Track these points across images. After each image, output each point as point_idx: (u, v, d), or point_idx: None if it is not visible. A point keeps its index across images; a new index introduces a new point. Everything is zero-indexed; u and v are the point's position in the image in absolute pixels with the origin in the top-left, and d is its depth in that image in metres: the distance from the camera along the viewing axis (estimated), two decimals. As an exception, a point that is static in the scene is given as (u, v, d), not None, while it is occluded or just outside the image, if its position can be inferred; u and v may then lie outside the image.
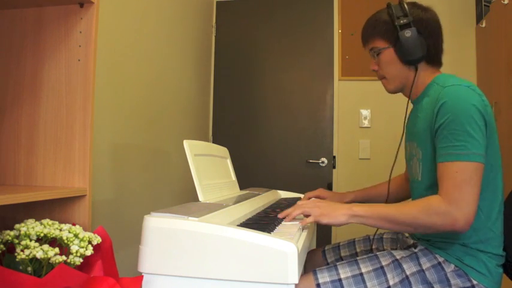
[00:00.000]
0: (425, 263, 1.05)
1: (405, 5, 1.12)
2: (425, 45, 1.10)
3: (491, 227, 1.03)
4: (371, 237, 1.39)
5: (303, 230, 1.05)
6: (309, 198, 1.43)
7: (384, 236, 1.38)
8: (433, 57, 1.14)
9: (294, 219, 1.10)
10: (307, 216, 1.06)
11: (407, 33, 1.09)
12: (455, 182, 0.94)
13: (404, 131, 1.27)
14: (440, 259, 1.04)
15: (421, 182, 1.12)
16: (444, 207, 0.93)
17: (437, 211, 0.94)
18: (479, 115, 0.97)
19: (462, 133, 0.96)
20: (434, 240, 1.10)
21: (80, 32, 0.94)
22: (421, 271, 1.03)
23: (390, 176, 1.30)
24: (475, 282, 1.00)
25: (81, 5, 0.94)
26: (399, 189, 1.44)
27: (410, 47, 1.09)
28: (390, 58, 1.15)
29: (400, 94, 1.25)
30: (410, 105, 1.24)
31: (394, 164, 1.25)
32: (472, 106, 0.97)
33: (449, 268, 1.02)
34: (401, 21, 1.10)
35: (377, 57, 1.18)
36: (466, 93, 0.99)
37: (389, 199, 1.35)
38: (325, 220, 1.03)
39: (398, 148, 1.25)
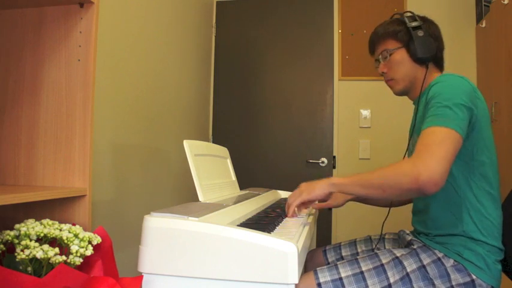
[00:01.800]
0: (426, 259, 1.06)
1: (414, 13, 1.21)
2: (434, 45, 1.17)
3: (488, 216, 1.05)
4: (372, 237, 1.39)
5: (304, 225, 1.07)
6: None
7: (386, 237, 1.38)
8: (439, 59, 1.22)
9: (295, 216, 1.18)
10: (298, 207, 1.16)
11: (420, 32, 1.16)
12: (426, 142, 0.96)
13: (409, 131, 1.29)
14: (440, 254, 1.06)
15: None
16: (410, 165, 0.94)
17: (404, 169, 0.95)
18: (465, 97, 1.01)
19: (443, 106, 1.00)
20: (434, 234, 1.12)
21: (80, 32, 0.94)
22: (422, 267, 1.04)
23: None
24: (474, 277, 1.01)
25: (81, 5, 0.94)
26: None
27: (422, 45, 1.16)
28: (402, 58, 1.20)
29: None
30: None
31: (405, 155, 1.27)
32: (459, 89, 1.02)
33: (448, 263, 1.04)
34: (413, 24, 1.18)
35: (388, 59, 1.22)
36: (458, 79, 1.06)
37: (392, 203, 1.36)
38: (305, 196, 1.12)
39: (409, 143, 1.26)
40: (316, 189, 1.10)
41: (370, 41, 1.28)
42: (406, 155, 1.27)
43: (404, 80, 1.21)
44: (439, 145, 0.94)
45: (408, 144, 1.26)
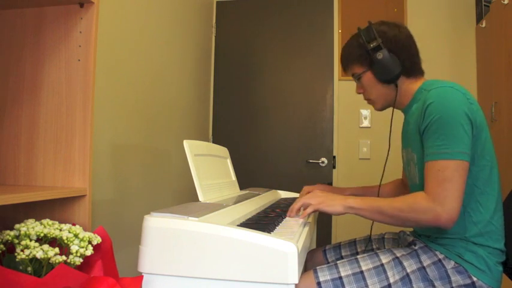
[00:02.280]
0: (426, 260, 1.05)
1: (373, 28, 1.16)
2: (398, 62, 1.15)
3: (491, 220, 1.05)
4: (372, 237, 1.39)
5: (304, 226, 1.06)
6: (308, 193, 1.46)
7: (386, 236, 1.38)
8: (410, 70, 1.18)
9: (296, 215, 1.17)
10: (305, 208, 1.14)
11: (379, 55, 1.14)
12: (438, 180, 0.98)
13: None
14: (441, 256, 1.05)
15: (419, 184, 1.13)
16: (427, 204, 0.98)
17: (421, 207, 0.99)
18: (464, 115, 1.00)
19: (445, 133, 0.99)
20: (434, 236, 1.11)
21: (80, 32, 0.94)
22: (422, 268, 1.04)
23: (381, 182, 1.37)
24: (475, 279, 1.01)
25: (81, 5, 0.94)
26: (397, 190, 1.46)
27: (385, 67, 1.15)
28: (370, 80, 1.21)
29: None
30: (401, 115, 1.28)
31: (385, 166, 1.30)
32: (456, 107, 1.01)
33: (449, 265, 1.03)
34: (372, 45, 1.15)
35: (359, 82, 1.24)
36: (451, 94, 1.03)
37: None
38: (324, 208, 1.10)
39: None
40: (335, 206, 1.09)
41: (340, 61, 1.29)
42: (403, 166, 1.29)
43: (380, 99, 1.23)
44: (451, 182, 0.97)
45: (402, 156, 1.28)
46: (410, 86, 1.18)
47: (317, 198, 1.13)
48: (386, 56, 1.14)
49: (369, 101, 1.27)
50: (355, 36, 1.23)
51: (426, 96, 1.07)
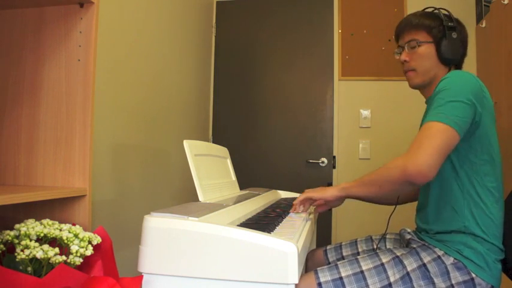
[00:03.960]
0: (426, 257, 1.06)
1: (452, 15, 1.20)
2: (461, 51, 1.19)
3: (489, 215, 1.06)
4: (373, 237, 1.39)
5: (304, 225, 1.07)
6: None
7: (387, 236, 1.38)
8: (460, 64, 1.23)
9: (296, 216, 1.21)
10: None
11: (454, 34, 1.16)
12: (419, 136, 0.99)
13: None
14: (440, 252, 1.06)
15: None
16: (400, 159, 0.99)
17: (394, 163, 1.00)
18: (469, 95, 1.01)
19: (445, 102, 1.01)
20: (435, 231, 1.12)
21: (80, 32, 0.94)
22: (422, 265, 1.04)
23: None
24: (473, 275, 1.01)
25: (81, 5, 0.94)
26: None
27: (452, 47, 1.16)
28: (429, 53, 1.19)
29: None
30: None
31: None
32: (465, 86, 1.03)
33: (448, 261, 1.04)
34: (449, 24, 1.17)
35: (414, 49, 1.20)
36: (466, 76, 1.06)
37: (399, 199, 1.36)
38: (317, 194, 1.20)
39: None
40: (327, 192, 1.18)
41: (399, 26, 1.26)
42: None
43: (424, 75, 1.20)
44: (430, 139, 0.96)
45: None
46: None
47: (311, 191, 1.23)
48: (458, 39, 1.16)
49: (411, 72, 1.22)
50: (428, 12, 1.23)
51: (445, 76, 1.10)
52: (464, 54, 1.21)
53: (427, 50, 1.19)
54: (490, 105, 1.08)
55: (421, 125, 1.23)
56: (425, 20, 1.20)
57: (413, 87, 1.24)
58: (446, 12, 1.20)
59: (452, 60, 1.18)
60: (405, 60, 1.22)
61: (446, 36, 1.16)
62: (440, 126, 0.97)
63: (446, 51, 1.16)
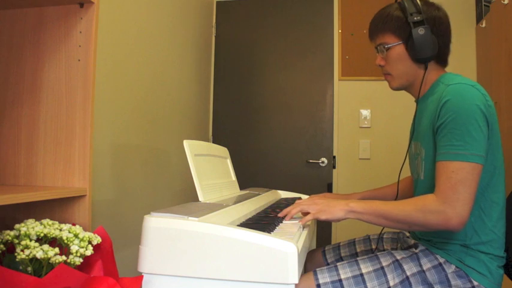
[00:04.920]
0: (426, 264, 1.04)
1: (418, 2, 1.10)
2: (436, 44, 1.09)
3: (493, 229, 1.03)
4: (371, 237, 1.39)
5: (303, 228, 1.06)
6: None
7: (385, 236, 1.37)
8: (443, 57, 1.14)
9: (293, 218, 1.13)
10: (305, 214, 1.09)
11: (421, 30, 1.07)
12: (451, 181, 0.94)
13: (410, 131, 1.26)
14: (441, 260, 1.04)
15: (423, 181, 1.11)
16: (438, 207, 0.94)
17: (432, 210, 0.95)
18: (482, 115, 0.96)
19: (462, 133, 0.95)
20: (435, 240, 1.10)
21: (80, 32, 0.94)
22: (422, 272, 1.03)
23: (399, 177, 1.30)
24: (475, 283, 1.00)
25: (81, 5, 0.94)
26: (406, 190, 1.42)
27: (422, 44, 1.08)
28: (400, 55, 1.13)
29: (400, 95, 1.24)
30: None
31: (403, 164, 1.24)
32: (475, 106, 0.96)
33: (450, 269, 1.02)
34: (415, 18, 1.08)
35: (385, 53, 1.16)
36: (470, 93, 0.99)
37: (398, 199, 1.34)
38: (323, 216, 1.05)
39: (408, 148, 1.24)
40: (336, 212, 1.04)
41: (369, 27, 1.20)
42: (407, 158, 1.25)
43: (401, 78, 1.16)
44: (464, 185, 0.93)
45: (408, 148, 1.24)
46: (433, 74, 1.13)
47: (316, 206, 1.08)
48: (427, 34, 1.07)
49: (388, 76, 1.19)
50: (395, 5, 1.15)
51: (444, 91, 1.02)
52: (445, 43, 1.12)
53: (397, 52, 1.13)
54: (495, 117, 1.03)
55: (412, 129, 1.19)
56: (389, 21, 1.13)
57: (394, 89, 1.21)
58: (412, 4, 1.10)
59: (427, 58, 1.09)
60: (380, 65, 1.19)
61: (413, 33, 1.07)
62: (469, 167, 0.94)
63: (417, 51, 1.08)
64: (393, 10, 1.14)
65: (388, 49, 1.14)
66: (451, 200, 0.93)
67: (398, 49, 1.13)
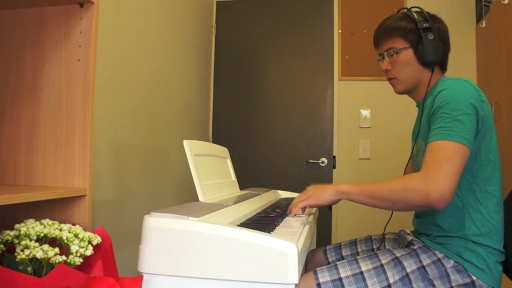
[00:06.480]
0: (426, 259, 1.05)
1: (425, 12, 1.18)
2: (442, 49, 1.15)
3: (490, 220, 1.05)
4: (373, 237, 1.39)
5: (304, 225, 1.07)
6: None
7: (386, 236, 1.38)
8: (445, 63, 1.21)
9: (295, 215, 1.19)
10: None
11: (430, 36, 1.13)
12: (436, 158, 0.97)
13: (412, 134, 1.30)
14: (440, 255, 1.06)
15: None
16: (420, 181, 0.96)
17: (414, 186, 0.97)
18: (471, 106, 1.01)
19: (451, 117, 1.00)
20: (434, 234, 1.11)
21: (80, 32, 0.94)
22: (422, 268, 1.04)
23: (405, 172, 1.32)
24: (474, 278, 1.01)
25: (81, 5, 0.94)
26: None
27: (431, 49, 1.14)
28: (408, 59, 1.18)
29: (400, 95, 1.26)
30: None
31: (408, 161, 1.28)
32: (465, 96, 1.02)
33: (449, 264, 1.03)
34: (424, 25, 1.14)
35: (393, 57, 1.20)
36: (463, 85, 1.05)
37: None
38: (312, 201, 1.12)
39: (413, 148, 1.26)
40: (324, 195, 1.10)
41: (376, 34, 1.25)
42: (411, 161, 1.27)
43: (407, 82, 1.20)
44: (448, 161, 0.95)
45: (412, 149, 1.26)
46: (434, 77, 1.18)
47: (306, 193, 1.15)
48: (436, 39, 1.13)
49: (393, 80, 1.22)
50: (400, 14, 1.21)
51: (440, 85, 1.08)
52: (446, 50, 1.19)
53: (406, 56, 1.18)
54: (488, 108, 1.08)
55: (416, 131, 1.23)
56: (399, 26, 1.18)
57: (398, 93, 1.25)
58: (418, 10, 1.18)
59: (434, 62, 1.16)
60: (386, 69, 1.23)
61: (423, 39, 1.13)
62: (453, 145, 0.97)
63: (426, 54, 1.14)
64: (401, 17, 1.20)
65: (397, 53, 1.19)
66: (434, 175, 0.95)
67: (407, 53, 1.18)
